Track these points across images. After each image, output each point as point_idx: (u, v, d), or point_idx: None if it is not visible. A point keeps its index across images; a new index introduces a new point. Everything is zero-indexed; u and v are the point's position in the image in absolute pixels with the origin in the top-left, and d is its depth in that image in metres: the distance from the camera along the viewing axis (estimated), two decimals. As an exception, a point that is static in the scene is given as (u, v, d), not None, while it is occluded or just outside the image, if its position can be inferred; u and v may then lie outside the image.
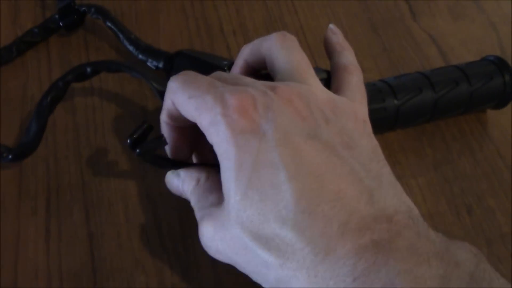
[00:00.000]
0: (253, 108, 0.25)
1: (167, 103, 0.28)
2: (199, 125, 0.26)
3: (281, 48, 0.30)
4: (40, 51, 0.42)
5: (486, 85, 0.38)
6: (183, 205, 0.36)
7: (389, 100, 0.36)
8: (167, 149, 0.31)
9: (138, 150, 0.28)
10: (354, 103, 0.30)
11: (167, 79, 0.37)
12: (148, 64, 0.39)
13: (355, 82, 0.31)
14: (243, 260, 0.26)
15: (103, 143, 0.38)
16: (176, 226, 0.35)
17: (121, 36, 0.40)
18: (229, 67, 0.35)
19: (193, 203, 0.30)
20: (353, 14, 0.46)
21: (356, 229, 0.23)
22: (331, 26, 0.35)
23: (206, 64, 0.36)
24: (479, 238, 0.36)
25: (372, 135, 0.29)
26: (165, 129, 0.30)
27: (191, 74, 0.28)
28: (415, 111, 0.37)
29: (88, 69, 0.33)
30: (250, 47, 0.32)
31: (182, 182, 0.31)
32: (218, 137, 0.25)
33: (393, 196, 0.25)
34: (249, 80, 0.28)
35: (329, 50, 0.34)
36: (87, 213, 0.35)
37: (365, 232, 0.23)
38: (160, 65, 0.38)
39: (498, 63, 0.38)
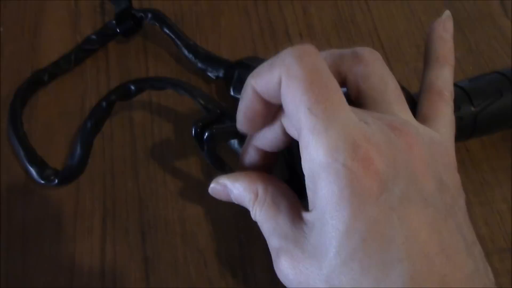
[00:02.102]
0: (379, 159, 0.22)
1: (270, 74, 0.23)
2: (300, 143, 0.23)
3: (371, 72, 0.26)
4: (99, 59, 0.40)
5: None
6: (242, 227, 0.33)
7: (465, 108, 0.32)
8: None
9: (207, 133, 0.25)
10: (448, 145, 0.26)
11: (227, 89, 0.35)
12: (208, 73, 0.36)
13: (449, 114, 0.28)
14: None
15: (161, 158, 0.36)
16: (235, 250, 0.33)
17: (179, 43, 0.37)
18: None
19: (260, 223, 0.26)
20: (434, 12, 0.41)
21: None
22: (446, 15, 0.30)
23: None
24: None
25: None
26: (249, 153, 0.27)
27: (323, 69, 0.22)
28: (496, 118, 0.32)
29: (132, 87, 0.30)
30: (325, 58, 0.27)
31: (236, 193, 0.27)
32: (329, 185, 0.22)
33: (485, 277, 0.23)
34: (354, 108, 0.24)
35: (428, 56, 0.30)
36: (143, 234, 0.33)
37: None
38: (221, 74, 0.36)
39: None
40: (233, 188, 0.27)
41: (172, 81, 0.30)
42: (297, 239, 0.24)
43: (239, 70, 0.34)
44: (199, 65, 0.36)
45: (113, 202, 0.35)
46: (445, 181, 0.24)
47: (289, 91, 0.22)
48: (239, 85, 0.34)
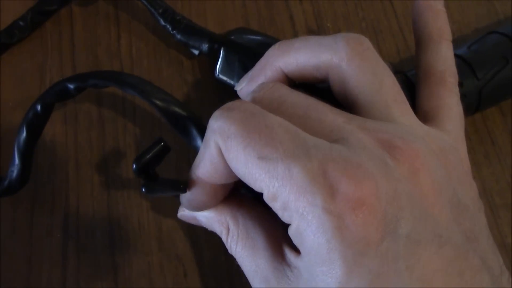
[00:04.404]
0: (372, 196, 0.17)
1: (209, 152, 0.19)
2: (266, 199, 0.18)
3: (360, 67, 0.21)
4: (62, 22, 0.34)
5: None
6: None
7: (469, 82, 0.27)
8: (182, 198, 0.22)
9: (143, 189, 0.21)
10: (460, 146, 0.22)
11: (212, 68, 0.29)
12: (190, 48, 0.30)
13: (456, 105, 0.23)
14: None
15: (135, 145, 0.31)
16: (220, 258, 0.28)
17: (152, 10, 0.31)
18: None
19: (238, 261, 0.22)
20: (457, -26, 0.35)
21: None
22: None
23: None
24: None
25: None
26: (196, 189, 0.21)
27: (255, 113, 0.19)
28: (503, 88, 0.28)
29: (71, 87, 0.25)
30: (294, 54, 0.22)
31: (205, 222, 0.23)
32: (314, 236, 0.17)
33: None
34: (337, 117, 0.19)
35: (419, 33, 0.25)
36: (111, 237, 0.29)
37: None
38: (204, 48, 0.30)
39: None
40: (200, 217, 0.23)
41: (120, 78, 0.24)
42: (281, 286, 0.19)
43: (226, 49, 0.28)
44: (178, 37, 0.30)
45: (77, 197, 0.30)
46: (462, 200, 0.20)
47: (232, 155, 0.18)
48: (227, 66, 0.28)
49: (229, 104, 0.19)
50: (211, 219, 0.22)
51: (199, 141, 0.23)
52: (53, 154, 0.30)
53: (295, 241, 0.18)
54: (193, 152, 0.23)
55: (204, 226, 0.23)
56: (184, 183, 0.21)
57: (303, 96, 0.20)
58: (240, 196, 0.23)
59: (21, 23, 0.33)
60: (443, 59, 0.24)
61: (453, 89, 0.23)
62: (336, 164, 0.17)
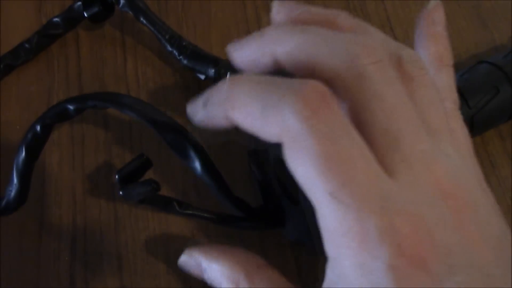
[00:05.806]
0: (435, 257, 0.17)
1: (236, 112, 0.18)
2: (325, 225, 0.17)
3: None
4: (68, 46, 0.35)
5: None
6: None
7: (461, 110, 0.28)
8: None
9: (120, 192, 0.23)
10: (475, 169, 0.21)
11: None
12: (196, 73, 0.31)
13: (461, 128, 0.23)
14: None
15: (141, 168, 0.31)
16: (228, 281, 0.28)
17: (159, 36, 0.31)
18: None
19: None
20: (454, 2, 0.36)
21: None
22: (433, 4, 0.24)
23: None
24: None
25: None
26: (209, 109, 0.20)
27: (339, 134, 0.17)
28: (494, 116, 0.29)
29: (70, 108, 0.25)
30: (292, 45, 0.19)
31: (212, 275, 0.23)
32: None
33: None
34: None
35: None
36: (119, 260, 0.29)
37: None
38: (210, 73, 0.30)
39: None
40: (208, 268, 0.22)
41: (118, 99, 0.25)
42: None
43: (232, 74, 0.29)
44: (185, 62, 0.31)
45: (84, 220, 0.30)
46: (496, 233, 0.19)
47: (298, 164, 0.17)
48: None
49: (315, 100, 0.17)
50: (220, 271, 0.22)
51: (196, 163, 0.23)
52: (60, 176, 0.31)
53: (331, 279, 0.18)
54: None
55: (206, 280, 0.23)
56: (157, 182, 0.23)
57: None
58: (253, 256, 0.22)
59: (26, 45, 0.33)
60: (444, 85, 0.24)
61: (456, 113, 0.23)
62: (405, 221, 0.17)
